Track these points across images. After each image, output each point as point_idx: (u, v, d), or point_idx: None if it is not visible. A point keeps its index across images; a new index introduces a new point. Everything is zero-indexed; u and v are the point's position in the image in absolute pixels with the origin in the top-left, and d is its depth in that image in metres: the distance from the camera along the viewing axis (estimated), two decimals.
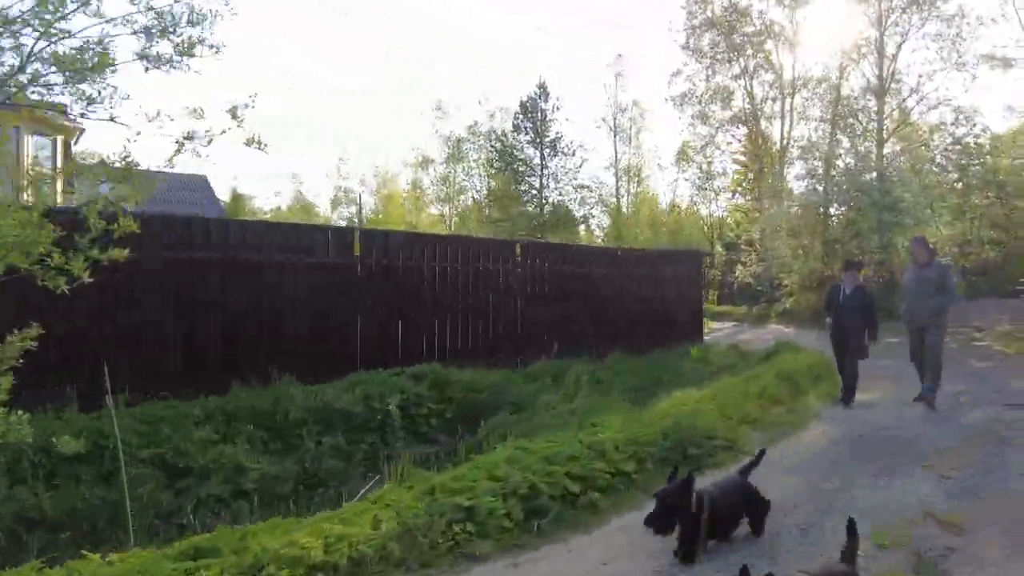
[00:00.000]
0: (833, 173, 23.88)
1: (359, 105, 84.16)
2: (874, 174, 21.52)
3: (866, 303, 7.55)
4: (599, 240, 37.56)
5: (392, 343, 8.59)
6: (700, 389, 7.84)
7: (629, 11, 73.55)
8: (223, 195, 56.15)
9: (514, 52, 79.86)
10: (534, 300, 10.32)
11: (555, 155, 28.64)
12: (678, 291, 13.04)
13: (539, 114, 28.46)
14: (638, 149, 39.52)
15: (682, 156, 33.36)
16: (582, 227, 33.90)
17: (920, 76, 25.46)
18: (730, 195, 34.57)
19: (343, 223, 41.66)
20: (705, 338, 15.71)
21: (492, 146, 29.95)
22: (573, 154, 28.64)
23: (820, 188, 23.80)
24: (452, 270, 9.27)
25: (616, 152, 39.10)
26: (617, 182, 39.48)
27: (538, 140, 28.44)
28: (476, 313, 9.52)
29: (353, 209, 46.14)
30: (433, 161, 44.00)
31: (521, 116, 28.70)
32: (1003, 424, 6.49)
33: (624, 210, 39.52)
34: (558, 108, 28.51)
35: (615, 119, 38.51)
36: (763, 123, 32.22)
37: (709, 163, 33.90)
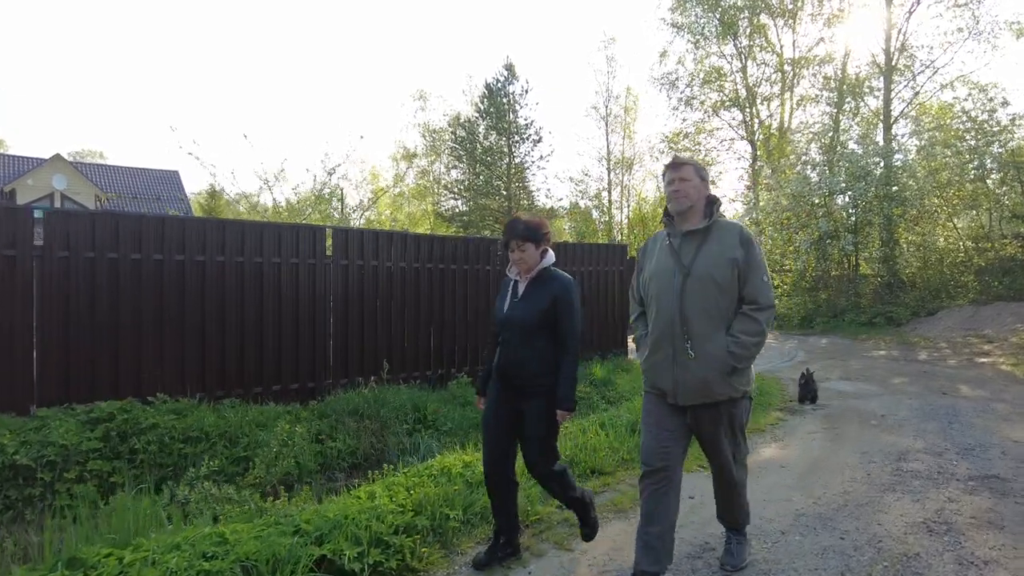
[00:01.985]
0: (837, 157, 20.88)
1: (353, 102, 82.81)
2: (878, 159, 18.44)
3: (561, 310, 3.09)
4: (568, 237, 34.81)
5: (95, 370, 5.97)
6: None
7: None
8: (200, 190, 54.94)
9: (517, 53, 77.74)
10: (356, 307, 7.74)
11: (523, 142, 25.91)
12: (590, 294, 10.34)
13: (506, 98, 25.76)
14: (630, 139, 36.82)
15: (671, 144, 30.45)
16: (554, 221, 31.03)
17: (931, 48, 22.35)
18: (740, 187, 31.70)
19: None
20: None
21: (454, 132, 27.32)
22: (540, 140, 25.83)
23: (814, 176, 20.80)
24: (218, 265, 6.70)
25: (608, 142, 36.42)
26: (609, 175, 36.75)
27: (504, 126, 25.73)
28: (253, 324, 6.93)
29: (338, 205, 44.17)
30: (416, 155, 41.91)
31: (487, 100, 26.03)
32: (946, 533, 3.66)
33: (614, 203, 36.77)
34: (527, 91, 25.79)
35: (607, 106, 35.82)
36: (760, 107, 29.26)
37: (706, 153, 31.04)
